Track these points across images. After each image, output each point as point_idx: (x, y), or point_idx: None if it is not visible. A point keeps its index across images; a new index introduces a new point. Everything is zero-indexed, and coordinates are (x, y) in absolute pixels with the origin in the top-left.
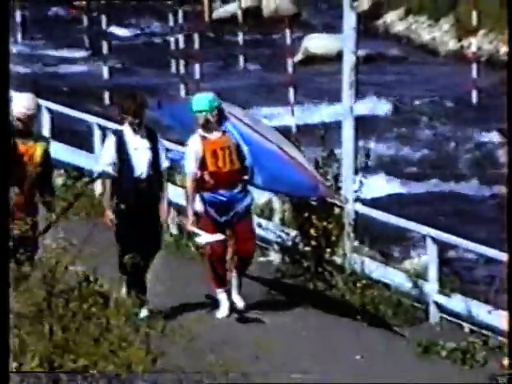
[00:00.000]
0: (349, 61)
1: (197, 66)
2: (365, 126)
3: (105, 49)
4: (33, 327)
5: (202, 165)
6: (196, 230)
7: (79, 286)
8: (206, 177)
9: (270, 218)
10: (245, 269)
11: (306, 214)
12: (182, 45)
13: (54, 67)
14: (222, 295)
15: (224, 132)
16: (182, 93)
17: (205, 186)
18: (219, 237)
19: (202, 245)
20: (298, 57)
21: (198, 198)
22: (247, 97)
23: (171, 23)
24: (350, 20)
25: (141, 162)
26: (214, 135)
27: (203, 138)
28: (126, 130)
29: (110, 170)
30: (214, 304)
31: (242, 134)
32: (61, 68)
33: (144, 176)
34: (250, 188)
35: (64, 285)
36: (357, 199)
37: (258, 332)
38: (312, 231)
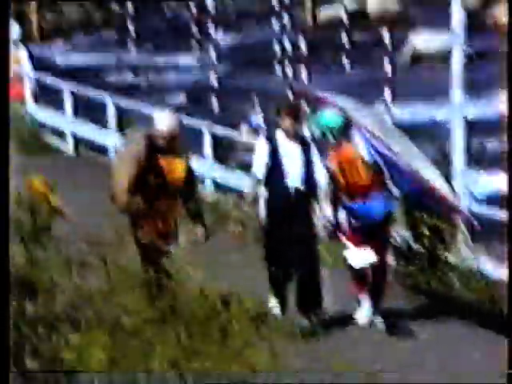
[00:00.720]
0: (457, 59)
1: (303, 69)
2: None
3: (213, 55)
4: (160, 331)
5: (333, 178)
6: (343, 240)
7: (201, 291)
8: (339, 190)
9: None
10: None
11: (418, 213)
12: (288, 48)
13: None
14: (364, 300)
15: (352, 143)
16: (290, 98)
17: (337, 200)
18: (369, 256)
19: (357, 267)
20: (405, 55)
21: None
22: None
23: (276, 27)
24: (458, 16)
25: (292, 173)
26: (343, 148)
27: (332, 151)
28: (280, 137)
29: (259, 174)
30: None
31: (371, 145)
32: (170, 75)
33: (294, 188)
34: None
35: (187, 290)
36: (470, 197)
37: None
38: (424, 230)
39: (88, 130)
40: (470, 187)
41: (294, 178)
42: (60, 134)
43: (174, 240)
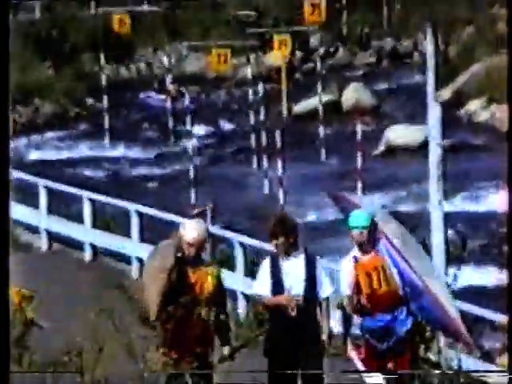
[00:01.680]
0: (435, 153)
1: (279, 162)
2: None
3: (190, 149)
4: None
5: (357, 288)
6: (355, 360)
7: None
8: (363, 300)
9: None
10: None
11: None
12: (264, 141)
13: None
14: None
15: (376, 251)
16: (266, 188)
17: (362, 310)
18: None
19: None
20: (380, 148)
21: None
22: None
23: (252, 121)
24: (434, 112)
25: (292, 289)
26: (367, 255)
27: (355, 258)
28: (281, 254)
29: (265, 292)
30: None
31: (390, 256)
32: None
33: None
34: None
35: None
36: (451, 292)
37: None
38: None
39: (63, 226)
40: (451, 282)
41: (294, 295)
42: (33, 230)
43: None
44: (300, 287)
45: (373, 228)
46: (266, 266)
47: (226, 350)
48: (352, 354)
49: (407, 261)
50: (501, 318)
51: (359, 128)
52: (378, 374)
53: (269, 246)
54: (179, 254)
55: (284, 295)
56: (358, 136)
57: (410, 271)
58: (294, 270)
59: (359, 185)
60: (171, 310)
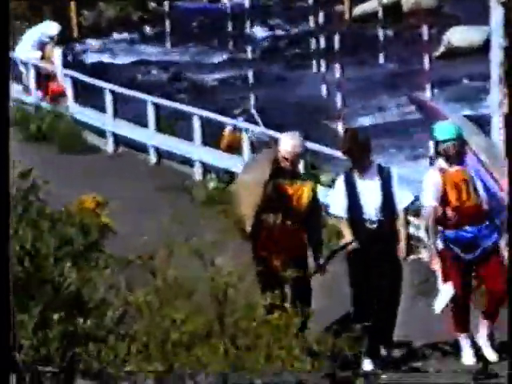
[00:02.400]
0: (496, 55)
1: (337, 66)
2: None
3: (249, 53)
4: (207, 345)
5: (443, 200)
6: (438, 271)
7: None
8: (449, 212)
9: (417, 215)
10: (497, 313)
11: None
12: (322, 45)
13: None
14: (464, 341)
15: (463, 164)
16: (324, 92)
17: (448, 222)
18: (450, 291)
19: (440, 310)
20: (440, 50)
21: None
22: (384, 93)
23: (312, 24)
24: (496, 14)
25: (369, 205)
26: (454, 167)
27: (442, 170)
28: (354, 171)
29: (341, 213)
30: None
31: (477, 170)
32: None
33: (374, 219)
34: None
35: (233, 304)
36: None
37: None
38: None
39: (129, 130)
40: None
41: (371, 212)
42: (100, 133)
43: (301, 267)
44: (377, 205)
45: (460, 141)
46: (340, 185)
47: (316, 264)
48: (435, 267)
49: (493, 175)
50: None
51: (424, 29)
52: (450, 287)
53: (328, 150)
54: (275, 167)
55: (349, 239)
56: (425, 36)
57: (496, 186)
58: (369, 187)
59: (427, 86)
60: (266, 219)
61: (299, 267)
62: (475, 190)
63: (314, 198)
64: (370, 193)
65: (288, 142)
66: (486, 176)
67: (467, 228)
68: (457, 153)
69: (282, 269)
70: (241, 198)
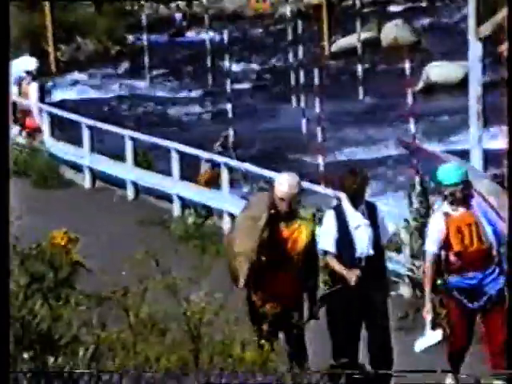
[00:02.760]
0: (475, 90)
1: (317, 101)
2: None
3: (228, 87)
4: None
5: (446, 245)
6: (427, 319)
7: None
8: (452, 258)
9: (398, 251)
10: (501, 362)
11: None
12: (302, 79)
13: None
14: (448, 381)
15: (468, 208)
16: (304, 127)
17: (451, 268)
18: (438, 337)
19: (420, 350)
20: (419, 86)
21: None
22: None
23: (291, 59)
24: (475, 49)
25: (362, 241)
26: (459, 210)
27: (446, 214)
28: (346, 206)
29: (331, 248)
30: None
31: (485, 214)
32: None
33: (364, 255)
34: None
35: (208, 341)
36: None
37: None
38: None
39: (106, 165)
40: None
41: (363, 246)
42: (77, 168)
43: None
44: (366, 241)
45: (466, 184)
46: (330, 219)
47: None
48: (427, 316)
49: (502, 217)
50: None
51: (407, 64)
52: (439, 333)
53: (308, 185)
54: (272, 211)
55: (347, 269)
56: (407, 71)
57: (505, 228)
58: (359, 223)
59: (411, 121)
60: (260, 267)
61: (292, 314)
62: (482, 233)
63: (313, 239)
64: (360, 228)
65: (284, 182)
66: (495, 218)
67: (471, 274)
68: (463, 196)
69: (274, 316)
70: (237, 239)
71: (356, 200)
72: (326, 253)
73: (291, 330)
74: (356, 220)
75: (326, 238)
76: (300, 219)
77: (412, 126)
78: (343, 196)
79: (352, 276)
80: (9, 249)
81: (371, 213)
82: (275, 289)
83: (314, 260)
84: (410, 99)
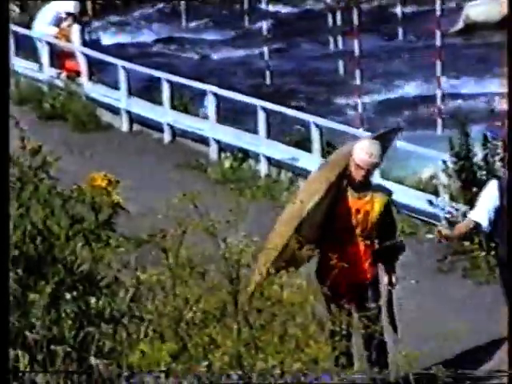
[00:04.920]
0: None
1: (356, 43)
2: None
3: (264, 29)
4: (220, 325)
5: None
6: None
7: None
8: None
9: (435, 194)
10: None
11: (476, 189)
12: (339, 21)
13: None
14: None
15: None
16: (341, 70)
17: None
18: None
19: None
20: (459, 25)
21: None
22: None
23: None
24: None
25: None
26: None
27: None
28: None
29: (482, 222)
30: None
31: None
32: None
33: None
34: None
35: (246, 282)
36: None
37: None
38: None
39: (143, 108)
40: None
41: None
42: (114, 112)
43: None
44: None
45: None
46: (492, 190)
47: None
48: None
49: None
50: None
51: (437, 4)
52: None
53: (347, 128)
54: (345, 173)
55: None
56: (437, 12)
57: None
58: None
59: (438, 63)
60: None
61: (366, 295)
62: None
63: (387, 214)
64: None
65: (364, 149)
66: None
67: None
68: None
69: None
70: (303, 191)
71: None
72: (476, 226)
73: (370, 336)
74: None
75: (482, 210)
76: (374, 191)
77: (439, 68)
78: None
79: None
80: (9, 249)
81: None
82: (345, 264)
83: (391, 231)
84: (438, 41)
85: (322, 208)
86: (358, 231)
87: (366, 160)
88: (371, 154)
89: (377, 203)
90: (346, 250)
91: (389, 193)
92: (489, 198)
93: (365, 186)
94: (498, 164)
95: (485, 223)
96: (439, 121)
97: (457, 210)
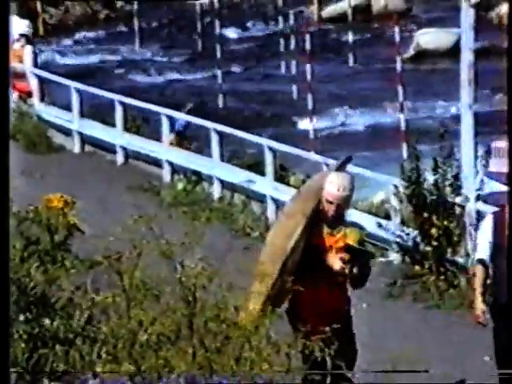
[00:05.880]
0: (467, 57)
1: (308, 67)
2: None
3: (218, 52)
4: (175, 348)
5: None
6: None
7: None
8: None
9: (387, 218)
10: None
11: (426, 214)
12: (292, 46)
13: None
14: None
15: None
16: (294, 94)
17: None
18: None
19: None
20: (409, 53)
21: None
22: (357, 96)
23: (281, 25)
24: (467, 15)
25: None
26: None
27: None
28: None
29: (486, 257)
30: None
31: None
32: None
33: None
34: None
35: (202, 306)
36: (478, 198)
37: None
38: (433, 231)
39: (95, 129)
40: (478, 187)
41: None
42: (67, 133)
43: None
44: None
45: None
46: (487, 225)
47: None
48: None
49: None
50: None
51: (396, 31)
52: None
53: (299, 151)
54: (318, 207)
55: (482, 304)
56: (396, 38)
57: None
58: None
59: (400, 88)
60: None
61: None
62: None
63: (362, 250)
64: None
65: (334, 183)
66: None
67: None
68: None
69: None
70: (275, 231)
71: None
72: (479, 262)
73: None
74: None
75: (483, 246)
76: (346, 227)
77: (400, 93)
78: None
79: (481, 316)
80: (9, 247)
81: None
82: (316, 305)
83: (365, 267)
84: (399, 66)
85: (301, 244)
86: (329, 267)
87: (336, 194)
88: (340, 187)
89: (350, 240)
90: (320, 287)
91: (362, 229)
92: (484, 233)
93: (337, 221)
94: (448, 189)
95: (487, 258)
96: (404, 144)
97: (407, 234)
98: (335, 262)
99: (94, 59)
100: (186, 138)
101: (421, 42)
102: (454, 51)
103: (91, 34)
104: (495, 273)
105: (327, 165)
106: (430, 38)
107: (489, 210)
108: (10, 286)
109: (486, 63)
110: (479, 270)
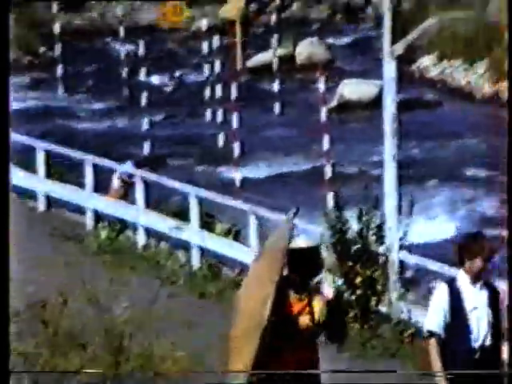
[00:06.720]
0: (389, 109)
1: (234, 116)
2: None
3: (144, 99)
4: None
5: None
6: None
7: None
8: None
9: None
10: None
11: (351, 263)
12: (218, 94)
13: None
14: None
15: None
16: (221, 143)
17: None
18: None
19: None
20: (333, 103)
21: None
22: (283, 145)
23: (207, 73)
24: (389, 68)
25: (479, 328)
26: None
27: None
28: (462, 280)
29: (438, 330)
30: None
31: None
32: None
33: (484, 344)
34: None
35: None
36: (402, 247)
37: None
38: (357, 280)
39: (16, 176)
40: (401, 236)
41: (479, 336)
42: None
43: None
44: (485, 327)
45: None
46: (441, 294)
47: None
48: None
49: None
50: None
51: (320, 82)
52: None
53: (224, 199)
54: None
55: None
56: (321, 88)
57: None
58: (478, 302)
59: (326, 137)
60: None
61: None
62: None
63: (329, 314)
64: (477, 311)
65: (299, 244)
66: None
67: None
68: None
69: None
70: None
71: (478, 274)
72: (430, 334)
73: None
74: (474, 300)
75: (434, 316)
76: (313, 291)
77: (326, 143)
78: (461, 269)
79: None
80: (8, 247)
81: (491, 292)
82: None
83: (335, 331)
84: (323, 116)
85: (273, 311)
86: (301, 333)
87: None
88: (307, 244)
89: (316, 305)
90: (291, 353)
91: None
92: (438, 302)
93: (304, 286)
94: (372, 238)
95: (439, 330)
96: (330, 194)
97: (333, 282)
98: (304, 320)
99: (18, 105)
100: (131, 185)
101: (344, 92)
102: (376, 102)
103: (13, 81)
104: (449, 344)
105: (255, 214)
106: (352, 88)
107: (411, 259)
108: (9, 287)
109: (409, 115)
110: (433, 344)
